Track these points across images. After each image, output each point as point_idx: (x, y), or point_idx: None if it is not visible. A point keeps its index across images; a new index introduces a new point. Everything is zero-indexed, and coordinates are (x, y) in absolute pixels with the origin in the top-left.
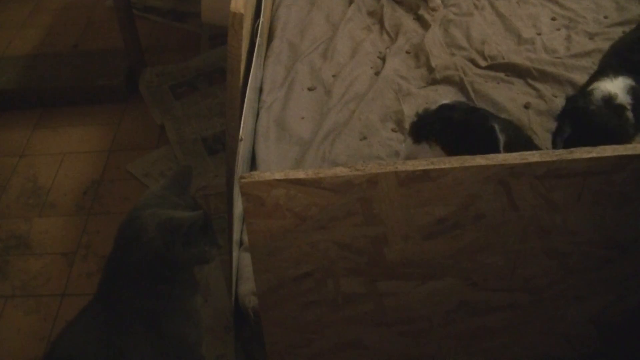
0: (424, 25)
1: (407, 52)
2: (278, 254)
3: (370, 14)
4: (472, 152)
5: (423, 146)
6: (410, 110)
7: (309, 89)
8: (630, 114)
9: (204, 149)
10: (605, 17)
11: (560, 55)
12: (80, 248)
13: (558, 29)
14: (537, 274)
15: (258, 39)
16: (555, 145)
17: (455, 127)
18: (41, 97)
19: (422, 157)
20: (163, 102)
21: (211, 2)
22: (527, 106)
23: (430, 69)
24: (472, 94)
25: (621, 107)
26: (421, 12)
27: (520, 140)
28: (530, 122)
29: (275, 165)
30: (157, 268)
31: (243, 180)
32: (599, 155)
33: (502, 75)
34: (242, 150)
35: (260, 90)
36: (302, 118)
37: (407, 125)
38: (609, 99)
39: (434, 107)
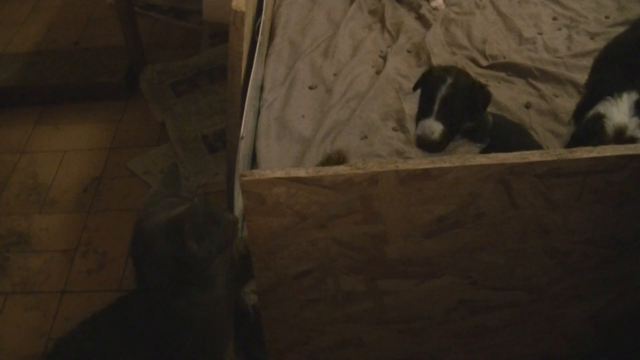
0: (425, 24)
1: (408, 51)
2: (278, 251)
3: (372, 12)
4: None
5: None
6: (411, 109)
7: (310, 88)
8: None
9: (204, 146)
10: (607, 17)
11: (561, 55)
12: (81, 245)
13: (559, 29)
14: (537, 272)
15: (259, 37)
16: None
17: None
18: (42, 94)
19: None
20: (164, 100)
21: (212, 0)
22: (527, 106)
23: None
24: None
25: (633, 140)
26: (422, 11)
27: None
28: (531, 122)
29: (276, 163)
30: (179, 273)
31: (244, 178)
32: (599, 154)
33: (503, 74)
34: (243, 148)
35: (261, 88)
36: (303, 116)
37: (407, 124)
38: (619, 132)
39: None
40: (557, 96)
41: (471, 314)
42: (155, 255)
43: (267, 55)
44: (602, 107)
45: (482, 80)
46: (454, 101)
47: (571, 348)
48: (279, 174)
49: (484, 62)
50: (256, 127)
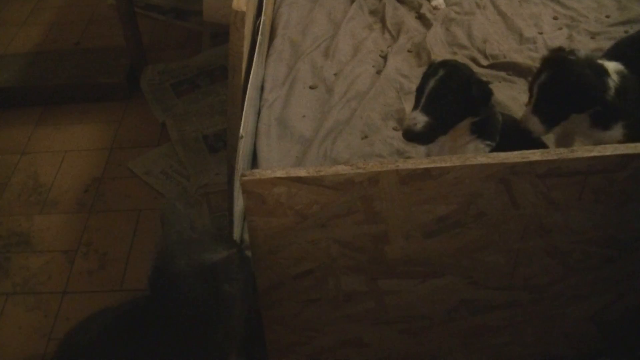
0: (426, 24)
1: (409, 51)
2: (279, 251)
3: (372, 12)
4: None
5: None
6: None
7: (311, 87)
8: (611, 83)
9: (205, 146)
10: (607, 17)
11: None
12: (81, 246)
13: (560, 28)
14: (538, 272)
15: (260, 37)
16: (531, 91)
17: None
18: (43, 94)
19: None
20: (164, 100)
21: (213, 0)
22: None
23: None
24: None
25: (602, 68)
26: (423, 10)
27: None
28: None
29: (277, 163)
30: (208, 309)
31: (244, 178)
32: (600, 154)
33: (503, 74)
34: (244, 148)
35: (262, 88)
36: (304, 116)
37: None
38: (591, 59)
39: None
40: None
41: (472, 314)
42: (184, 295)
43: (267, 56)
44: None
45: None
46: (443, 94)
47: (572, 348)
48: (280, 173)
49: (484, 62)
50: (257, 127)
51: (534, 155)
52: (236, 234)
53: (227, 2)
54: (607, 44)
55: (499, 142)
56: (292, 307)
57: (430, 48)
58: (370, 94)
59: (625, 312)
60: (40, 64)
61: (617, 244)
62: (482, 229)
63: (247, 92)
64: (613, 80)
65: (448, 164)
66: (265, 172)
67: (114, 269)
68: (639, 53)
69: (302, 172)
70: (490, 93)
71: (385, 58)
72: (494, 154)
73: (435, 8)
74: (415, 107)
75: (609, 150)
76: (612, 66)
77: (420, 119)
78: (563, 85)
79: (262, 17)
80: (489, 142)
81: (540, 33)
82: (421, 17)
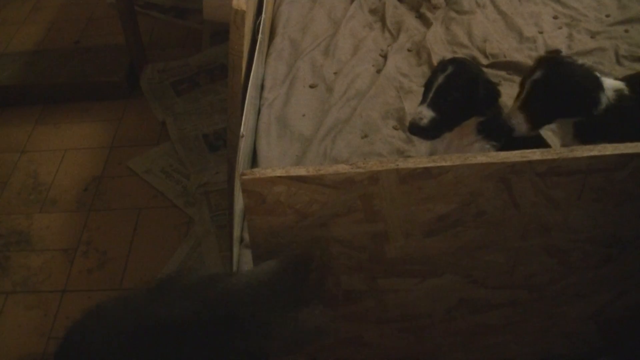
0: (426, 23)
1: (409, 50)
2: (279, 250)
3: (372, 11)
4: None
5: None
6: (411, 108)
7: (311, 86)
8: (603, 99)
9: (205, 145)
10: (607, 16)
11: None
12: (81, 244)
13: (560, 28)
14: (538, 271)
15: (260, 35)
16: (521, 87)
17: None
18: (42, 93)
19: None
20: (164, 99)
21: None
22: None
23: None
24: None
25: (597, 81)
26: (423, 10)
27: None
28: None
29: (277, 162)
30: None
31: (244, 177)
32: (600, 153)
33: (503, 73)
34: (243, 147)
35: (262, 87)
36: (304, 115)
37: (408, 123)
38: (589, 69)
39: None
40: None
41: (472, 313)
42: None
43: (267, 54)
44: None
45: None
46: (450, 91)
47: (572, 347)
48: (280, 172)
49: (484, 61)
50: (257, 125)
51: (534, 154)
52: (236, 233)
53: (227, 1)
54: (607, 43)
55: (505, 142)
56: None
57: (430, 47)
58: (370, 93)
59: (625, 311)
60: (40, 63)
61: (617, 242)
62: (482, 228)
63: (247, 91)
64: (607, 96)
65: (448, 163)
66: (265, 171)
67: (113, 267)
68: None
69: (302, 171)
70: (497, 94)
71: (385, 57)
72: (494, 153)
73: (435, 7)
74: (422, 102)
75: (609, 149)
76: (610, 82)
77: (426, 114)
78: (556, 84)
79: (262, 16)
80: (494, 143)
81: (540, 32)
82: (421, 16)
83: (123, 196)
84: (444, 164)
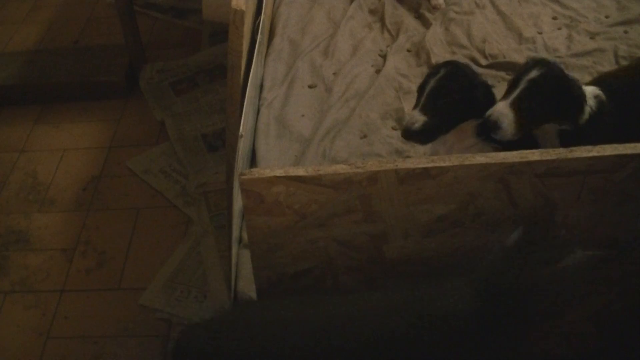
0: (425, 23)
1: (408, 50)
2: (277, 250)
3: (372, 12)
4: None
5: None
6: (410, 108)
7: (310, 87)
8: (587, 109)
9: (204, 145)
10: (607, 17)
11: (561, 55)
12: (80, 244)
13: (559, 28)
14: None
15: (259, 36)
16: (510, 86)
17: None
18: (41, 92)
19: None
20: (163, 99)
21: None
22: None
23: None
24: None
25: (577, 83)
26: (422, 10)
27: None
28: None
29: (276, 162)
30: None
31: (243, 177)
32: (599, 154)
33: (502, 74)
34: (242, 147)
35: (261, 87)
36: (303, 115)
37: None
38: (572, 77)
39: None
40: None
41: None
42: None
43: (266, 54)
44: None
45: None
46: (442, 94)
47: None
48: (278, 172)
49: (483, 62)
50: (256, 126)
51: (532, 155)
52: (235, 233)
53: (227, 1)
54: (606, 44)
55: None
56: None
57: (429, 48)
58: (369, 93)
59: (624, 312)
60: (39, 62)
61: (616, 243)
62: (481, 228)
63: (246, 91)
64: (590, 106)
65: (447, 164)
66: (264, 171)
67: (112, 267)
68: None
69: (300, 171)
70: (492, 97)
71: (384, 57)
72: (493, 153)
73: (434, 8)
74: (415, 107)
75: (608, 150)
76: (590, 90)
77: (418, 118)
78: (554, 83)
79: (262, 16)
80: (493, 145)
81: (540, 33)
82: (420, 17)
83: (122, 196)
84: (442, 164)
